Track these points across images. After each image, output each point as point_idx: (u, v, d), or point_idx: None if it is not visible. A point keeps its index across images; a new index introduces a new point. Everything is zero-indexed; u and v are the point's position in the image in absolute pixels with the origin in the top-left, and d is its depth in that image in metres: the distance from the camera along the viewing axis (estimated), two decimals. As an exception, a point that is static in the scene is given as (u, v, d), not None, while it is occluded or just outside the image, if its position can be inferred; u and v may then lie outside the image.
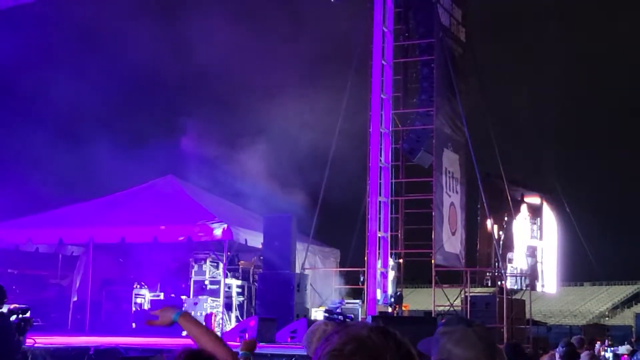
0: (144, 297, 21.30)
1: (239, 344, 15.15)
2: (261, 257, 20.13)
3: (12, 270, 22.35)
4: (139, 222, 20.70)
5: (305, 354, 5.44)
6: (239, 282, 20.90)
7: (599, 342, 17.41)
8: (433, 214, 20.58)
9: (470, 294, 20.82)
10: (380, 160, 20.19)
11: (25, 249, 22.19)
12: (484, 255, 23.75)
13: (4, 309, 9.04)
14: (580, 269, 28.03)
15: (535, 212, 25.75)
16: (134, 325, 20.60)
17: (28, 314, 9.26)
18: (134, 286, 21.26)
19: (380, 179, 20.09)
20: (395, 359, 1.86)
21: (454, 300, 21.06)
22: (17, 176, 22.41)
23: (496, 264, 23.06)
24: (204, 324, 14.43)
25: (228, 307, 20.17)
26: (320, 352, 1.89)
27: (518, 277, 24.14)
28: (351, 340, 1.87)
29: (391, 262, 20.34)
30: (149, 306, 21.10)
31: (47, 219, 21.87)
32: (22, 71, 22.19)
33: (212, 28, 22.25)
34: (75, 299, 22.07)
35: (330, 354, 1.86)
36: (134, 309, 21.02)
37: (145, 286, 21.51)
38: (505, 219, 23.79)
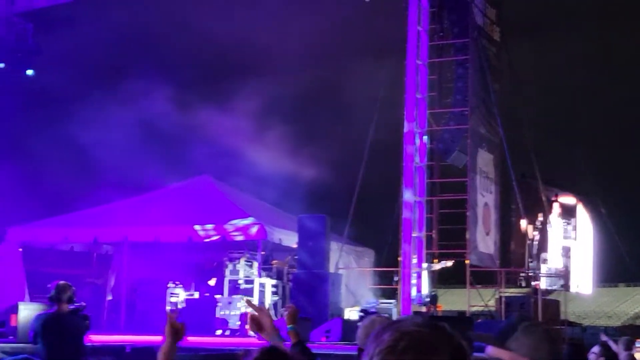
0: (179, 296, 21.38)
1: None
2: (295, 257, 20.14)
3: (47, 269, 22.52)
4: (174, 221, 20.81)
5: (342, 353, 5.44)
6: (273, 282, 20.93)
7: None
8: (467, 214, 20.49)
9: (505, 295, 20.69)
10: (415, 160, 20.13)
11: (60, 247, 22.38)
12: (518, 256, 23.59)
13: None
14: (615, 269, 27.68)
15: (570, 212, 25.56)
16: (168, 324, 20.67)
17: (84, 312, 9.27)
18: (169, 285, 21.35)
19: (415, 179, 20.05)
20: (448, 352, 1.85)
21: (488, 301, 20.95)
22: (52, 175, 22.59)
23: (530, 264, 22.91)
24: (238, 323, 14.41)
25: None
26: (371, 350, 1.87)
27: (552, 278, 23.95)
28: (403, 336, 1.84)
29: (425, 263, 20.28)
30: (184, 305, 21.19)
31: (82, 217, 22.04)
32: (48, 69, 22.34)
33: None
34: (110, 297, 22.21)
35: (383, 352, 1.84)
36: (168, 307, 21.10)
37: (180, 285, 21.60)
38: (540, 219, 23.62)
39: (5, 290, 19.15)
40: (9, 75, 21.49)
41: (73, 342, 8.88)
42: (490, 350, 2.94)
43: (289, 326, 6.18)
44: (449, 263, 20.25)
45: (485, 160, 22.00)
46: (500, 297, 20.48)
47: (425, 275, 19.96)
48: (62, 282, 8.97)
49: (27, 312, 11.47)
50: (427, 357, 1.82)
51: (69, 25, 22.00)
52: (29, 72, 21.98)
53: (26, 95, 21.97)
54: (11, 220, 21.53)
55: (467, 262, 20.28)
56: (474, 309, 20.85)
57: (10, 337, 11.41)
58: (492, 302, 21.01)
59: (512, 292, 22.74)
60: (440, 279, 22.56)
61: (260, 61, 24.12)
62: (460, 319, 17.40)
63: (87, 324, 9.22)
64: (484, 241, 21.61)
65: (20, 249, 20.67)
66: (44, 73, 22.21)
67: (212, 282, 21.51)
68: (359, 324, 5.39)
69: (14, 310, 11.70)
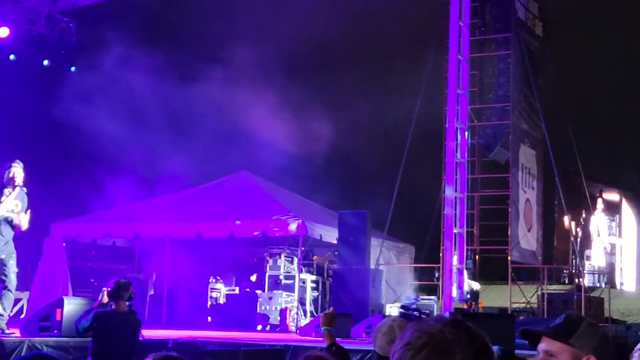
0: (220, 291, 21.50)
1: (314, 338, 15.09)
2: (336, 253, 20.14)
3: (90, 264, 22.77)
4: (215, 217, 20.90)
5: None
6: (313, 277, 20.98)
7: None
8: (509, 210, 20.34)
9: (547, 291, 20.51)
10: (456, 155, 20.01)
11: (103, 242, 22.59)
12: (561, 252, 23.43)
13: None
14: (659, 267, 27.31)
15: (614, 208, 25.28)
16: (209, 319, 20.82)
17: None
18: (210, 280, 21.48)
19: (456, 175, 19.93)
20: (467, 351, 1.91)
21: (531, 297, 20.79)
22: (96, 171, 22.80)
23: (574, 260, 22.70)
24: (279, 318, 14.40)
25: (302, 302, 20.25)
26: (395, 346, 1.98)
27: (596, 275, 23.70)
28: (423, 334, 1.94)
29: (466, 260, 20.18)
30: (224, 300, 21.31)
31: (124, 213, 22.23)
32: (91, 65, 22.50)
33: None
34: (151, 292, 22.36)
35: (403, 348, 1.95)
36: (209, 303, 21.24)
37: (221, 280, 21.72)
38: (583, 215, 23.40)
39: (50, 285, 19.38)
40: (53, 72, 21.73)
41: (129, 340, 8.89)
42: (547, 345, 2.86)
43: (323, 328, 6.15)
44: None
45: (527, 155, 21.84)
46: (543, 293, 20.31)
47: (466, 271, 19.85)
48: (122, 279, 8.95)
49: (71, 306, 11.57)
50: (443, 355, 1.91)
51: (112, 21, 22.16)
52: (72, 69, 22.21)
53: (68, 90, 22.16)
54: (54, 215, 21.78)
55: (508, 258, 20.14)
56: (516, 305, 20.71)
57: (55, 331, 11.52)
58: (534, 299, 20.84)
59: (555, 289, 22.56)
60: (482, 276, 22.43)
61: (294, 52, 24.00)
62: (502, 316, 17.24)
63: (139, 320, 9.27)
64: (526, 237, 21.45)
65: (64, 244, 20.90)
66: (88, 69, 22.43)
67: (253, 277, 21.60)
68: (376, 328, 5.30)
69: (59, 304, 11.81)
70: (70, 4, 20.36)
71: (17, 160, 11.73)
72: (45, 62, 21.25)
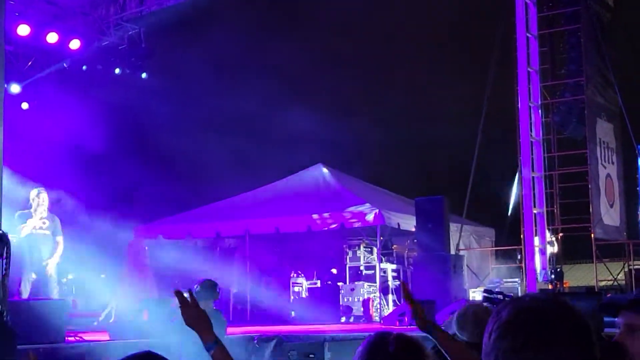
0: (302, 285, 21.61)
1: (398, 327, 15.13)
2: (415, 240, 20.06)
3: (173, 265, 23.07)
4: (292, 211, 21.00)
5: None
6: (394, 266, 20.92)
7: None
8: (590, 186, 19.95)
9: (635, 267, 20.09)
10: (531, 134, 19.71)
11: (185, 243, 22.89)
12: (646, 226, 22.84)
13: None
14: None
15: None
16: (293, 313, 20.94)
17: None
18: (291, 275, 21.59)
19: (532, 154, 19.63)
20: (568, 326, 1.83)
21: (617, 274, 20.39)
22: (176, 172, 23.15)
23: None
24: (362, 309, 14.38)
25: (385, 291, 20.23)
26: (490, 327, 1.88)
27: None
28: (523, 311, 1.85)
29: (549, 238, 19.88)
30: (307, 294, 21.41)
31: (204, 213, 22.50)
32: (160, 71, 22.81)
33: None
34: (235, 290, 22.59)
35: (502, 327, 1.85)
36: (292, 297, 21.36)
37: (302, 275, 21.82)
38: (668, 187, 22.78)
39: (136, 287, 19.74)
40: (126, 79, 22.11)
41: None
42: (628, 319, 2.74)
43: None
44: None
45: (604, 130, 21.39)
46: (630, 270, 19.90)
47: (549, 251, 19.56)
48: (208, 280, 9.05)
49: (157, 308, 11.77)
50: (546, 332, 1.82)
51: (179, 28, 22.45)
52: (143, 75, 22.54)
53: (142, 97, 22.53)
54: (137, 218, 22.19)
55: (592, 236, 19.78)
56: (603, 283, 20.35)
57: (145, 333, 11.73)
58: (621, 276, 20.44)
59: (642, 264, 22.07)
60: (566, 255, 22.08)
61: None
62: (588, 294, 16.92)
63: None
64: (609, 213, 21.03)
65: (146, 247, 21.24)
66: (157, 75, 22.77)
67: (334, 270, 21.63)
68: (453, 314, 5.10)
69: (146, 306, 12.03)
70: (138, 11, 20.66)
71: (43, 187, 13.15)
72: (117, 71, 21.62)
